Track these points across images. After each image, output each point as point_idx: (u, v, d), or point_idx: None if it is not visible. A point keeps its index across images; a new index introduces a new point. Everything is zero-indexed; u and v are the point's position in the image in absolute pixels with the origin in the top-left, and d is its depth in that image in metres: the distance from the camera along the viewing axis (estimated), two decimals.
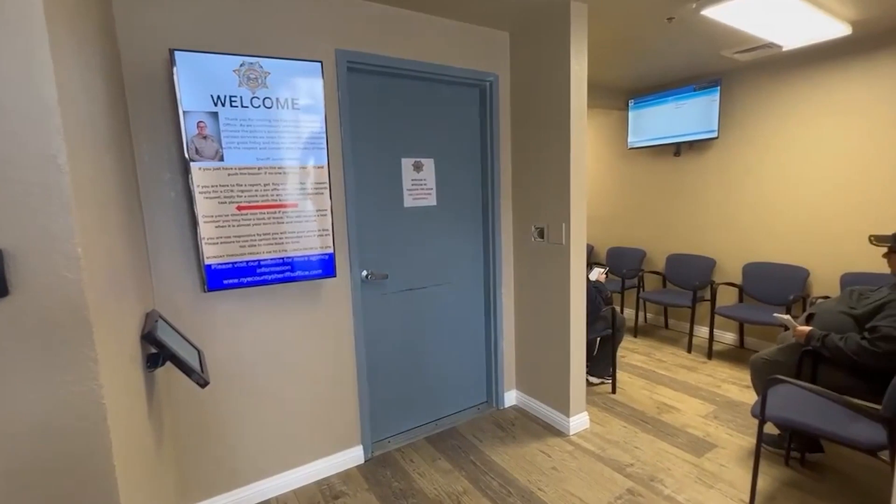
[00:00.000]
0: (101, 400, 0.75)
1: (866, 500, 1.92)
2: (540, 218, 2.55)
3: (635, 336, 4.18)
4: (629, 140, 4.34)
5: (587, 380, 3.12)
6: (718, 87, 3.62)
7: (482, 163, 2.67)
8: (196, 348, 1.53)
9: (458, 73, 2.44)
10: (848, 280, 3.04)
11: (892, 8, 2.46)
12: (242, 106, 1.73)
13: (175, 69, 1.58)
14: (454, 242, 2.64)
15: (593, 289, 2.90)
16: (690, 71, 3.67)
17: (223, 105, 1.68)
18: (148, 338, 1.18)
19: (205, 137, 1.66)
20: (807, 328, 2.11)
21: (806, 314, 2.27)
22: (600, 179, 4.87)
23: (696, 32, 2.71)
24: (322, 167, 1.93)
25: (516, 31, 2.56)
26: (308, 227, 1.93)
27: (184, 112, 1.61)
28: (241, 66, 1.69)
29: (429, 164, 2.47)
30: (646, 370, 3.40)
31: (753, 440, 1.91)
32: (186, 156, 1.65)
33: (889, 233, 2.05)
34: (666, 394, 3.00)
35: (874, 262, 2.91)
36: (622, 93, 4.34)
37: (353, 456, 2.29)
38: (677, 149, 4.06)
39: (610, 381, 3.09)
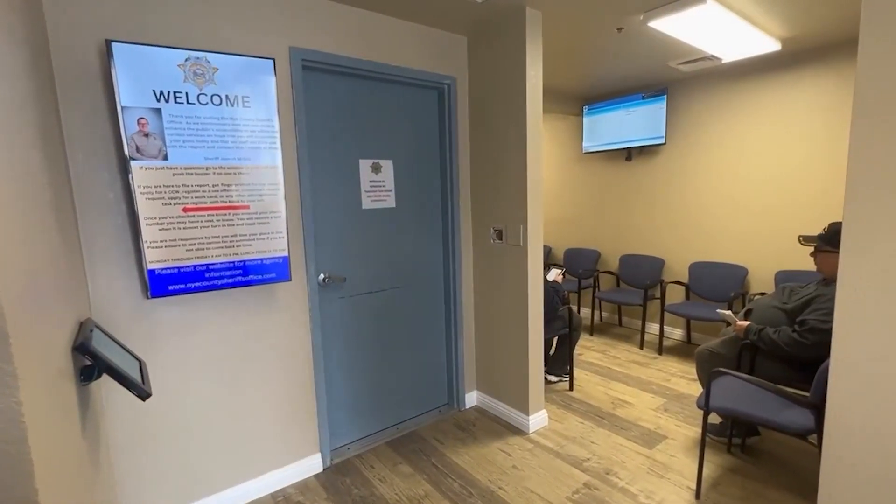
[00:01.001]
0: (20, 419, 0.68)
1: (798, 481, 2.07)
2: (498, 220, 2.59)
3: (591, 334, 4.32)
4: (584, 145, 4.48)
5: (546, 378, 3.19)
6: (665, 96, 3.81)
7: (441, 165, 2.68)
8: (137, 359, 1.44)
9: (417, 74, 2.43)
10: (781, 277, 3.28)
11: (814, 28, 2.68)
12: (188, 103, 1.64)
13: (112, 62, 1.48)
14: (413, 244, 2.63)
15: (550, 289, 2.96)
16: (640, 80, 3.85)
17: (167, 101, 1.59)
18: (81, 349, 1.09)
19: (147, 135, 1.57)
20: (745, 323, 2.25)
21: (745, 310, 2.42)
22: (557, 182, 5.00)
23: (644, 43, 2.84)
24: (276, 167, 1.87)
25: (474, 36, 2.59)
26: (261, 230, 1.87)
27: (122, 108, 1.51)
28: (186, 60, 1.61)
29: (387, 165, 2.45)
30: (601, 367, 3.52)
31: (699, 430, 2.01)
32: (126, 154, 1.55)
33: (816, 233, 2.22)
34: (620, 389, 3.11)
35: (804, 260, 3.15)
36: (577, 99, 4.49)
37: (311, 465, 2.23)
38: (629, 154, 4.24)
39: (567, 379, 3.17)
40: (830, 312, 1.29)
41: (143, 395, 1.17)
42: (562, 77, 3.67)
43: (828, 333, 1.31)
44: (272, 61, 1.80)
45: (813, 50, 3.07)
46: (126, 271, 1.68)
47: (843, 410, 1.27)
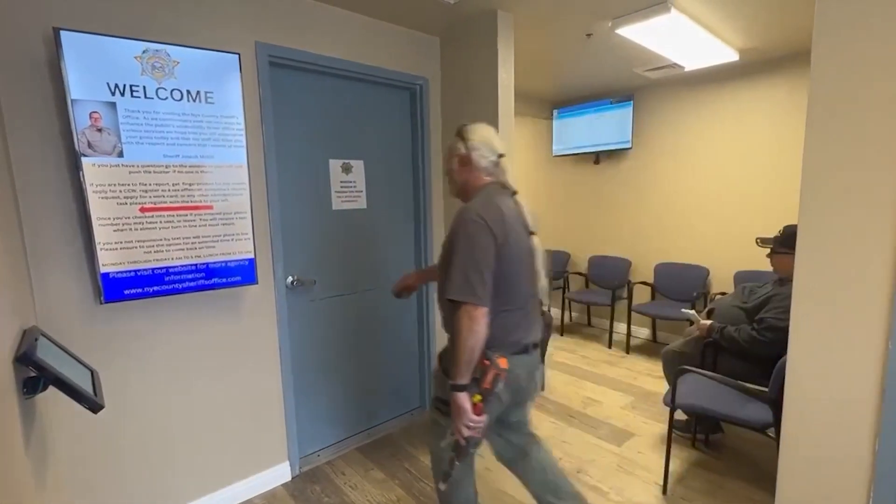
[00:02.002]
0: None
1: (758, 472, 2.16)
2: None
3: (562, 334, 4.39)
4: (554, 148, 4.56)
5: None
6: (632, 102, 3.92)
7: (413, 166, 2.66)
8: (89, 369, 1.35)
9: (389, 74, 2.40)
10: (741, 277, 3.42)
11: (769, 40, 2.82)
12: (147, 97, 1.56)
13: (61, 52, 1.39)
14: (385, 246, 2.59)
15: None
16: (608, 85, 3.94)
17: (122, 95, 1.50)
18: (23, 359, 1.01)
19: (100, 130, 1.48)
20: (708, 322, 2.33)
21: (707, 309, 2.51)
22: (528, 185, 5.05)
23: (612, 49, 2.91)
24: (241, 166, 1.80)
25: (446, 37, 2.58)
26: (225, 231, 1.79)
27: (72, 101, 1.42)
28: (143, 52, 1.53)
29: (358, 165, 2.41)
30: (572, 367, 3.57)
31: (666, 427, 2.07)
32: (77, 150, 1.45)
33: (772, 235, 2.32)
34: (590, 388, 3.16)
35: (762, 261, 3.29)
36: (548, 103, 4.56)
37: (279, 473, 2.16)
38: (597, 157, 4.34)
39: None
40: (787, 311, 1.34)
41: (95, 407, 1.10)
42: (533, 81, 3.72)
43: (784, 331, 1.36)
44: (237, 56, 1.74)
45: (768, 61, 3.22)
46: (77, 275, 1.58)
47: (799, 404, 1.33)
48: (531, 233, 1.45)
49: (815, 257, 1.26)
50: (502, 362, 1.29)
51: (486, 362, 1.29)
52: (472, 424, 1.29)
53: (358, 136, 2.40)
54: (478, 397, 1.30)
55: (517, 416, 1.57)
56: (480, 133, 1.45)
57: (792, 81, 3.16)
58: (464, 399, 1.28)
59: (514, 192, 1.46)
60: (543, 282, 1.46)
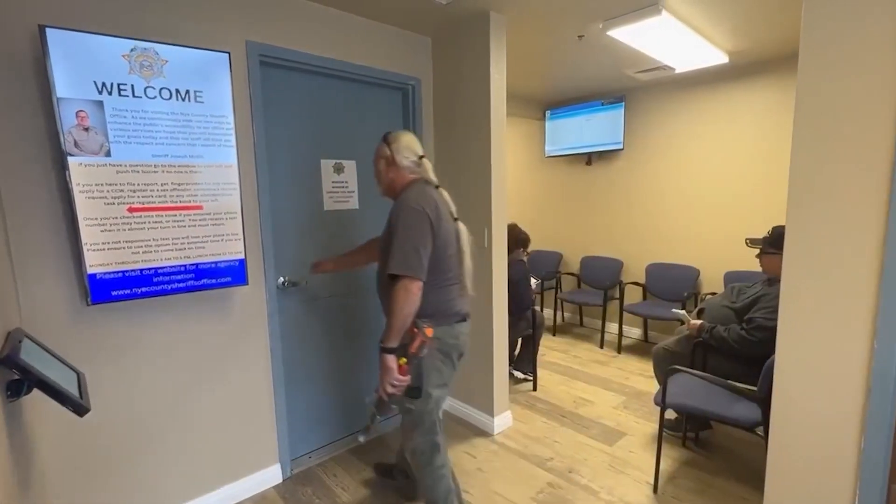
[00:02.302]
0: None
1: (747, 471, 2.18)
2: (463, 221, 2.58)
3: (554, 334, 4.40)
4: (546, 149, 4.57)
5: (513, 374, 3.24)
6: (623, 104, 3.95)
7: None
8: (75, 371, 1.33)
9: (381, 74, 2.40)
10: (730, 277, 3.46)
11: (758, 43, 2.85)
12: (134, 96, 1.54)
13: (47, 50, 1.37)
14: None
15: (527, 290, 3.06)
16: (599, 87, 3.97)
17: (110, 94, 1.48)
18: (7, 362, 0.99)
19: (87, 129, 1.46)
20: (698, 322, 2.35)
21: (697, 309, 2.53)
22: (521, 185, 5.07)
23: (603, 51, 2.93)
24: (231, 166, 1.78)
25: (439, 37, 2.58)
26: (215, 231, 1.78)
27: (58, 99, 1.40)
28: (131, 51, 1.51)
29: (350, 165, 2.40)
30: (564, 367, 3.58)
31: (657, 426, 2.08)
32: (63, 149, 1.43)
33: (761, 236, 2.35)
34: (582, 388, 3.18)
35: (751, 261, 3.33)
36: (540, 104, 4.57)
37: (270, 476, 2.14)
38: (589, 158, 4.36)
39: (532, 378, 3.21)
40: (775, 310, 1.36)
41: (81, 410, 1.08)
42: (525, 81, 3.73)
43: (773, 331, 1.38)
44: (227, 55, 1.72)
45: (757, 63, 3.26)
46: (63, 276, 1.56)
47: (787, 403, 1.34)
48: (456, 219, 1.69)
49: (802, 258, 1.27)
50: (429, 331, 1.51)
51: (416, 330, 1.50)
52: (396, 383, 1.50)
53: (350, 136, 2.39)
54: (403, 360, 1.51)
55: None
56: (403, 138, 1.69)
57: (780, 84, 3.20)
58: (391, 360, 1.50)
59: (437, 186, 1.69)
60: (468, 263, 1.69)
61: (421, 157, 1.69)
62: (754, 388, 1.89)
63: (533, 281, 3.34)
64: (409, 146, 1.68)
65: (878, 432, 1.16)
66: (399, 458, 1.99)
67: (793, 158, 1.27)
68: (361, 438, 1.68)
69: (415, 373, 1.56)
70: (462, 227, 1.69)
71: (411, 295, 1.46)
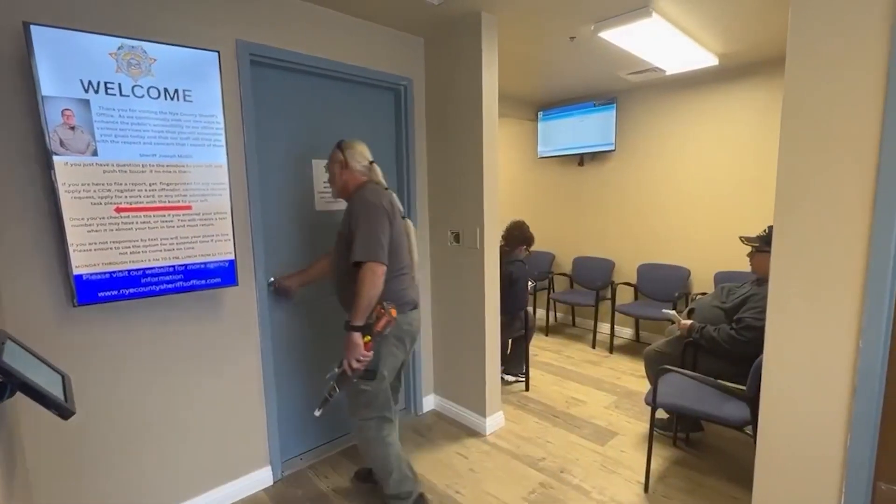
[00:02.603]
0: None
1: (737, 469, 2.20)
2: (455, 222, 2.59)
3: (546, 335, 4.41)
4: (539, 149, 4.59)
5: (503, 378, 3.23)
6: (615, 105, 3.97)
7: (398, 167, 2.64)
8: (60, 373, 1.30)
9: (372, 74, 2.39)
10: (720, 278, 3.49)
11: (747, 46, 2.88)
12: (122, 95, 1.52)
13: (31, 47, 1.35)
14: None
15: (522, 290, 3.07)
16: (591, 88, 3.99)
17: (96, 92, 1.46)
18: None
19: (72, 128, 1.44)
20: (689, 322, 2.37)
21: (688, 309, 2.55)
22: (514, 186, 5.08)
23: (595, 53, 2.94)
24: (221, 166, 1.77)
25: (431, 38, 2.58)
26: (205, 232, 1.76)
27: (43, 98, 1.38)
28: (118, 49, 1.49)
29: None
30: (556, 367, 3.60)
31: (648, 425, 2.09)
32: (49, 148, 1.41)
33: (755, 234, 2.37)
34: (574, 388, 3.19)
35: (740, 261, 3.36)
36: (532, 105, 4.59)
37: (261, 478, 2.12)
38: (581, 159, 4.38)
39: (524, 379, 3.22)
40: (764, 310, 1.37)
41: (65, 413, 1.06)
42: (517, 82, 3.74)
43: (762, 330, 1.39)
44: (217, 54, 1.71)
45: (746, 65, 3.29)
46: (48, 277, 1.53)
47: (775, 402, 1.36)
48: (404, 217, 1.88)
49: (789, 258, 1.28)
50: (393, 312, 1.67)
51: (382, 310, 1.65)
52: (361, 358, 1.65)
53: (342, 136, 2.37)
54: (368, 338, 1.64)
55: (405, 363, 1.96)
56: (356, 145, 1.87)
57: (769, 86, 3.24)
58: (358, 337, 1.63)
59: (387, 188, 1.85)
60: (416, 255, 1.91)
61: (371, 163, 1.88)
62: (743, 388, 1.91)
63: (530, 283, 3.35)
64: (361, 152, 1.86)
65: (863, 431, 1.17)
66: None
67: (780, 159, 1.28)
68: (317, 412, 1.76)
69: (372, 356, 1.69)
70: (410, 223, 1.89)
71: (377, 277, 1.62)
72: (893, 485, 1.17)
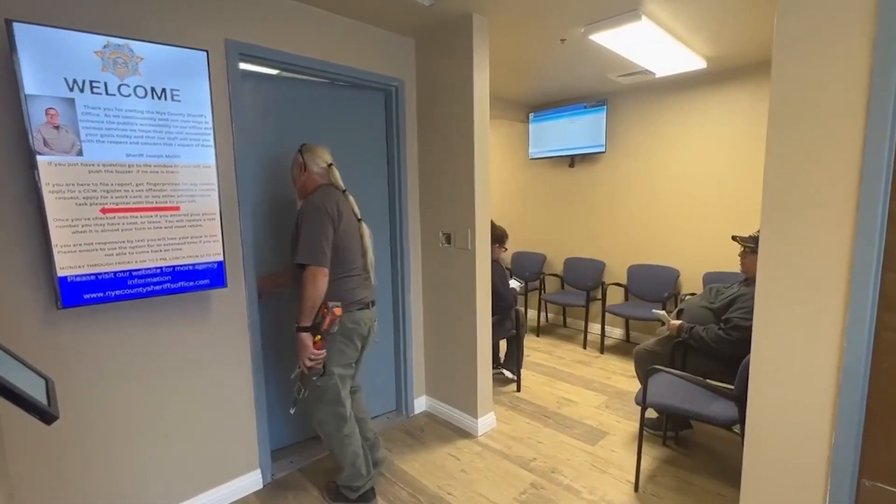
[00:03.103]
0: None
1: (725, 468, 2.22)
2: (447, 223, 2.59)
3: (538, 335, 4.43)
4: (530, 151, 4.60)
5: (503, 373, 3.25)
6: (605, 107, 4.00)
7: (389, 168, 2.64)
8: (44, 377, 1.28)
9: (364, 75, 2.38)
10: (709, 278, 3.53)
11: (734, 49, 2.92)
12: (108, 94, 1.50)
13: (14, 45, 1.32)
14: None
15: (508, 291, 3.07)
16: (582, 90, 4.01)
17: (81, 91, 1.44)
18: None
19: (57, 127, 1.41)
20: (678, 322, 2.39)
21: (677, 309, 2.57)
22: (505, 187, 5.10)
23: (585, 55, 2.96)
24: (210, 166, 1.75)
25: (422, 38, 2.57)
26: (193, 233, 1.74)
27: (27, 96, 1.35)
28: (104, 47, 1.47)
29: None
30: (547, 367, 3.61)
31: (638, 425, 2.10)
32: (32, 147, 1.38)
33: (745, 234, 2.39)
34: (565, 388, 3.20)
35: (729, 262, 3.41)
36: (524, 106, 4.60)
37: (251, 482, 2.10)
38: (572, 161, 4.40)
39: (516, 380, 3.22)
40: (752, 310, 1.39)
41: (48, 418, 1.04)
42: (509, 84, 3.75)
43: (750, 330, 1.40)
44: (205, 53, 1.69)
45: (734, 69, 3.34)
46: (32, 279, 1.50)
47: (762, 401, 1.37)
48: (360, 219, 1.94)
49: (775, 258, 1.30)
50: (337, 310, 1.72)
51: (325, 310, 1.72)
52: (313, 357, 1.74)
53: (331, 136, 2.36)
54: (318, 337, 1.73)
55: (360, 360, 2.01)
56: (316, 149, 1.92)
57: (756, 89, 3.28)
58: (307, 338, 1.73)
59: (344, 190, 1.92)
60: (371, 256, 1.96)
61: (329, 165, 1.93)
62: (731, 387, 1.93)
63: (515, 282, 3.36)
64: (320, 155, 1.91)
65: (847, 428, 1.19)
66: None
67: (766, 162, 1.30)
68: (291, 410, 1.88)
69: (324, 354, 1.79)
70: (365, 226, 1.95)
71: (317, 280, 1.71)
72: (877, 481, 1.19)
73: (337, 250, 1.78)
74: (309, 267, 1.71)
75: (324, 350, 1.76)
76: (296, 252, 1.73)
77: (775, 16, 1.25)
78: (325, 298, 1.73)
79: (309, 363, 1.74)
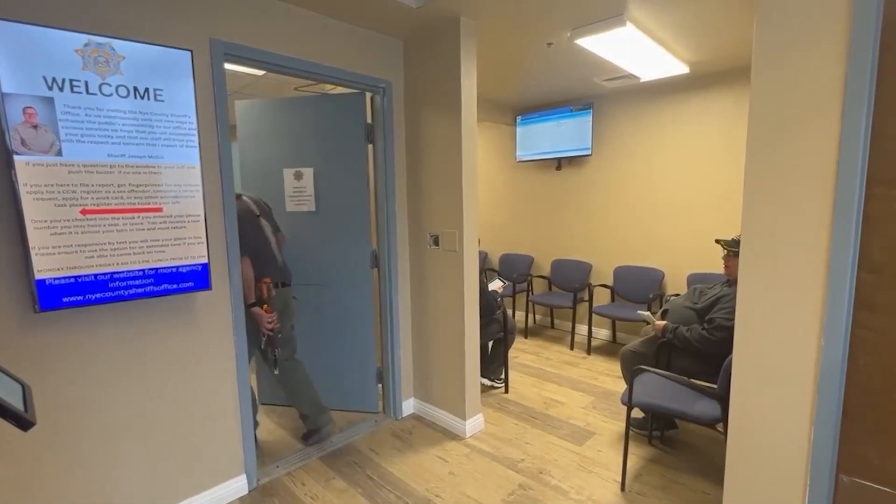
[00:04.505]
0: None
1: (710, 466, 2.26)
2: (434, 225, 2.59)
3: (526, 337, 4.45)
4: (517, 153, 4.63)
5: (481, 382, 3.23)
6: (591, 110, 4.05)
7: (376, 169, 2.63)
8: (20, 383, 1.24)
9: (351, 76, 2.37)
10: (693, 279, 3.58)
11: (716, 56, 2.99)
12: (89, 93, 1.47)
13: None
14: (339, 249, 2.55)
15: (490, 294, 3.04)
16: (568, 94, 4.06)
17: (61, 90, 1.41)
18: None
19: (35, 127, 1.38)
20: (662, 323, 2.42)
21: (662, 310, 2.61)
22: (492, 190, 5.12)
23: (571, 59, 2.99)
24: (193, 167, 1.72)
25: (410, 41, 2.58)
26: (176, 235, 1.71)
27: (3, 95, 1.32)
28: (85, 45, 1.44)
29: (308, 172, 2.36)
30: (535, 368, 3.63)
31: (624, 425, 2.12)
32: (9, 147, 1.35)
33: (727, 237, 2.43)
34: (552, 389, 3.22)
35: (712, 263, 3.47)
36: (511, 109, 4.63)
37: (236, 487, 2.07)
38: (559, 163, 4.44)
39: (503, 384, 3.23)
40: (734, 311, 1.41)
41: (25, 424, 1.01)
42: (496, 87, 3.77)
43: (732, 330, 1.43)
44: (189, 53, 1.67)
45: (716, 74, 3.41)
46: (8, 282, 1.46)
47: (744, 399, 1.40)
48: (258, 216, 2.28)
49: (756, 260, 1.33)
50: (267, 281, 2.22)
51: (261, 285, 2.20)
52: (269, 321, 2.19)
53: (318, 135, 2.36)
54: (265, 305, 2.20)
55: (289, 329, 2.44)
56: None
57: (738, 93, 3.35)
58: (258, 310, 2.18)
59: (239, 196, 2.18)
60: (274, 246, 2.35)
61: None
62: (714, 386, 1.96)
63: (500, 283, 3.36)
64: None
65: (825, 425, 1.22)
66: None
67: (746, 166, 1.33)
68: (276, 371, 2.25)
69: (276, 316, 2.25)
70: (264, 221, 2.31)
71: (246, 266, 2.10)
72: (854, 476, 1.22)
73: (254, 245, 2.20)
74: (242, 258, 2.05)
75: (275, 313, 2.19)
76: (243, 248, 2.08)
77: (755, 23, 1.28)
78: (256, 279, 2.16)
79: (268, 326, 2.18)
